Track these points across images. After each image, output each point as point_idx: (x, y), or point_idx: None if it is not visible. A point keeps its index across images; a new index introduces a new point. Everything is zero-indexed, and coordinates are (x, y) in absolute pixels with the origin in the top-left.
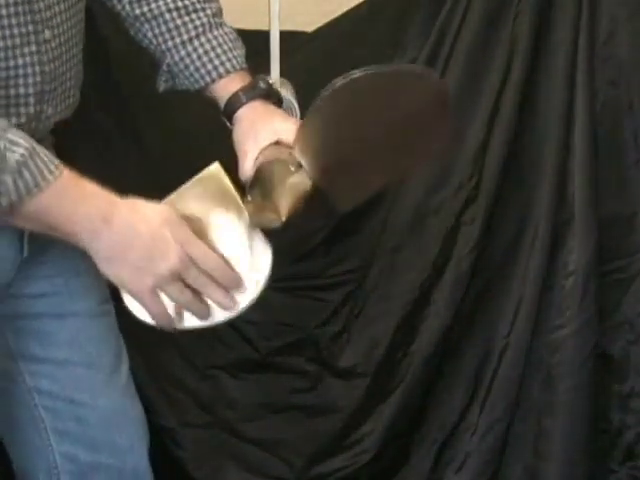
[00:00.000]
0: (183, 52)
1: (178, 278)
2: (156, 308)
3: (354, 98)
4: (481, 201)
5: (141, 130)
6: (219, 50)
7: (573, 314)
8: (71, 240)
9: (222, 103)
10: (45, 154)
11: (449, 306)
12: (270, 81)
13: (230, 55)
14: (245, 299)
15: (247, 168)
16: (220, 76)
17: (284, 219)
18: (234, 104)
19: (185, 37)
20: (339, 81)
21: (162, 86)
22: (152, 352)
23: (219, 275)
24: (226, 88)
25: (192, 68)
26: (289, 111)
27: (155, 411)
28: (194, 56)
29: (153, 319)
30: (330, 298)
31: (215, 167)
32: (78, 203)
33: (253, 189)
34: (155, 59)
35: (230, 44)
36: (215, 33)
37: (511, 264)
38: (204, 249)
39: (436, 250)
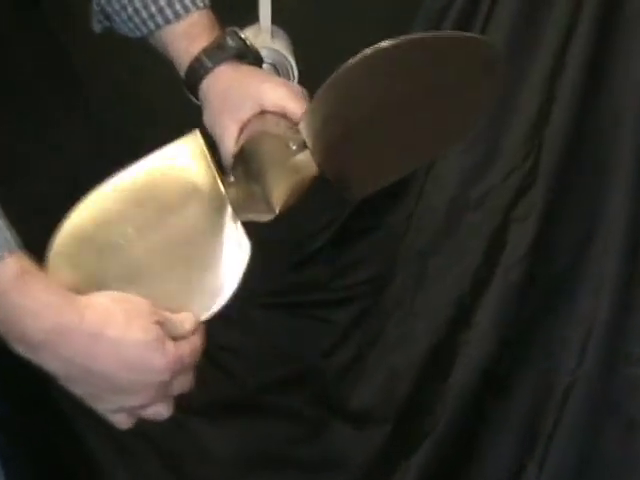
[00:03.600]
0: None
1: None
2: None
3: (387, 68)
4: (538, 191)
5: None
6: None
7: None
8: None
9: (181, 70)
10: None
11: (495, 329)
12: (242, 36)
13: None
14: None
15: (229, 151)
16: (167, 21)
17: (278, 211)
18: (197, 72)
19: None
20: (371, 49)
21: (98, 27)
22: None
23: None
24: (181, 45)
25: (130, 10)
26: (283, 70)
27: (104, 470)
28: None
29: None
30: (338, 318)
31: (191, 137)
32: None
33: (236, 172)
34: None
35: None
36: None
37: (578, 274)
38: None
39: (478, 256)
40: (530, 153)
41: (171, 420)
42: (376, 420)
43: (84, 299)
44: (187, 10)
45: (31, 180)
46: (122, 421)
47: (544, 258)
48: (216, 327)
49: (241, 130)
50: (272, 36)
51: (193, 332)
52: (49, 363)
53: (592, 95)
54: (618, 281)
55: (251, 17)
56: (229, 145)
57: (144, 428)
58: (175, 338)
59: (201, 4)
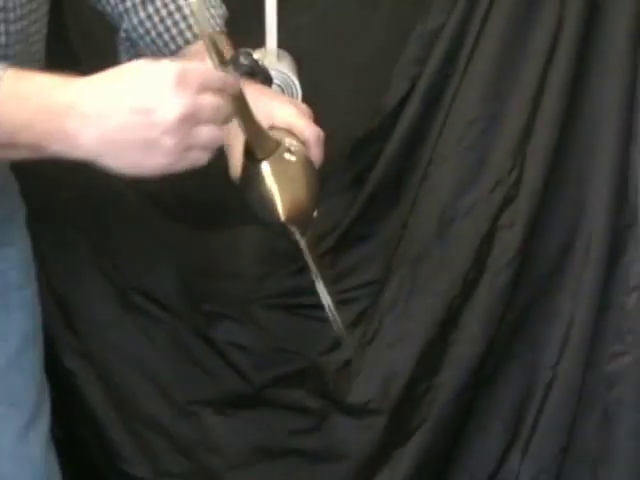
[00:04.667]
0: (143, 14)
1: (190, 124)
2: (194, 158)
3: None
4: (523, 200)
5: None
6: (186, 11)
7: (636, 339)
8: (42, 155)
9: None
10: None
11: (483, 329)
12: (255, 56)
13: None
14: None
15: (239, 162)
16: (187, 42)
17: (284, 219)
18: None
19: None
20: None
21: (124, 57)
22: (119, 384)
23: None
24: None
25: (153, 33)
26: (288, 89)
27: (123, 458)
28: (156, 19)
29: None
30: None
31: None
32: (35, 102)
33: (245, 180)
34: (113, 25)
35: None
36: None
37: (560, 278)
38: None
39: (467, 260)
40: (515, 166)
41: (186, 415)
42: (373, 413)
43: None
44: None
45: None
46: (188, 159)
47: (528, 263)
48: (226, 326)
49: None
50: (278, 58)
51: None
52: (88, 138)
53: (572, 112)
54: (596, 284)
55: (258, 41)
56: (239, 157)
57: (159, 420)
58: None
59: (217, 28)
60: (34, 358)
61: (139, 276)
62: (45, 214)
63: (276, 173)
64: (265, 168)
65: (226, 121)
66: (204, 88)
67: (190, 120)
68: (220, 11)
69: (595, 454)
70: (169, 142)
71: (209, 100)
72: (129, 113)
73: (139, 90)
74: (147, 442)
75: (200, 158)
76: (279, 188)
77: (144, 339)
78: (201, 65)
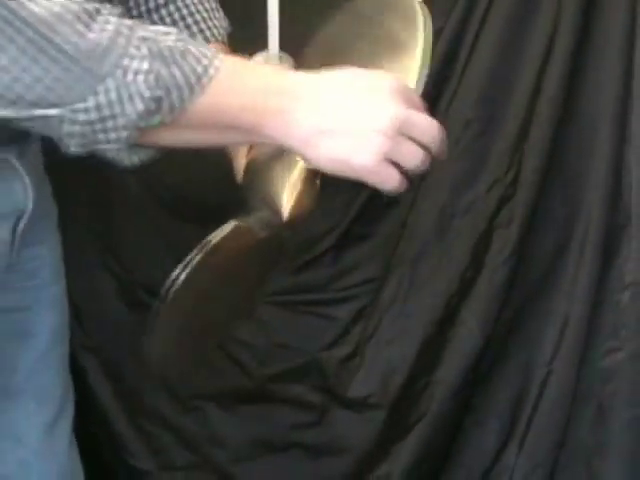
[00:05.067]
0: (155, 16)
1: (402, 132)
2: (390, 174)
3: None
4: (519, 200)
5: None
6: (189, 20)
7: (629, 335)
8: (254, 138)
9: None
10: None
11: (480, 326)
12: (257, 59)
13: (203, 26)
14: None
15: (241, 165)
16: None
17: (285, 218)
18: None
19: (152, 4)
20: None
21: None
22: (126, 379)
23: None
24: None
25: None
26: None
27: (129, 451)
28: (167, 20)
29: (387, 188)
30: (338, 315)
31: None
32: (254, 83)
33: (246, 182)
34: None
35: (205, 14)
36: (187, 1)
37: (555, 275)
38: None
39: (465, 259)
40: (512, 166)
41: (191, 409)
42: (373, 407)
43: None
44: (207, 41)
45: None
46: (386, 172)
47: (525, 261)
48: None
49: (251, 147)
50: (280, 61)
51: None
52: (301, 134)
53: (568, 114)
54: (591, 282)
55: (261, 45)
56: (243, 159)
57: (164, 414)
58: None
59: (220, 38)
60: (62, 355)
61: (146, 274)
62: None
63: (282, 174)
64: (273, 167)
65: (428, 147)
66: (420, 109)
67: (403, 129)
68: (223, 23)
69: (590, 449)
70: (379, 141)
71: (424, 120)
72: (353, 103)
73: (363, 86)
74: (152, 436)
75: (392, 179)
76: (284, 189)
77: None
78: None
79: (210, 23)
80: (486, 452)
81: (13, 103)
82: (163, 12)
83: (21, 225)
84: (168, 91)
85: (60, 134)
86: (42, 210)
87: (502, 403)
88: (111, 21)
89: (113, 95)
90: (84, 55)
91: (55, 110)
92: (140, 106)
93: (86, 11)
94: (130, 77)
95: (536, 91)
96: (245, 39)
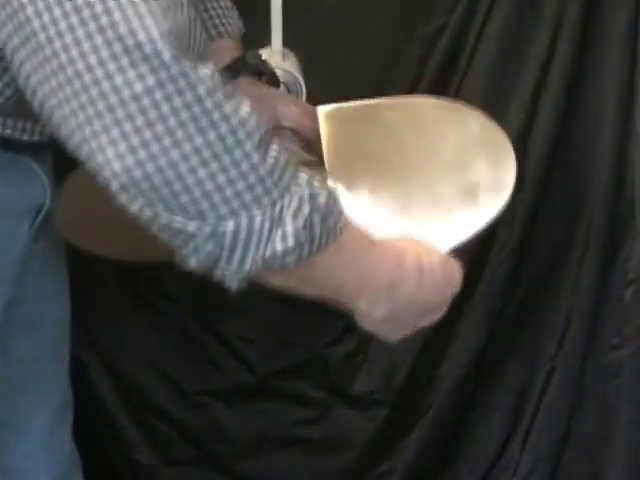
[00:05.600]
0: None
1: None
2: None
3: None
4: (523, 195)
5: None
6: (204, 15)
7: (633, 331)
8: (342, 301)
9: None
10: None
11: (483, 321)
12: (263, 57)
13: (217, 22)
14: None
15: None
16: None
17: None
18: None
19: None
20: None
21: None
22: (129, 375)
23: None
24: (213, 62)
25: None
26: (293, 88)
27: (131, 446)
28: None
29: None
30: (342, 311)
31: None
32: (369, 266)
33: None
34: None
35: (220, 11)
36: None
37: (559, 271)
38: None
39: (468, 255)
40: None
41: (194, 405)
42: (376, 403)
43: (398, 244)
44: (221, 37)
45: None
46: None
47: (528, 257)
48: (234, 319)
49: None
50: (283, 57)
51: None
52: (374, 317)
53: (572, 109)
54: (595, 277)
55: (264, 41)
56: None
57: (168, 409)
58: None
59: (232, 35)
60: (64, 348)
61: (148, 270)
62: None
63: None
64: None
65: None
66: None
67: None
68: (238, 23)
69: (593, 444)
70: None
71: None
72: (420, 301)
73: (435, 283)
74: (155, 431)
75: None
76: None
77: (153, 331)
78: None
79: (224, 20)
80: (490, 447)
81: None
82: None
83: (38, 219)
84: (311, 240)
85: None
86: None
87: (505, 398)
88: (281, 153)
89: (267, 225)
90: (259, 174)
91: (196, 223)
92: (284, 245)
93: (264, 131)
94: (287, 214)
95: (539, 88)
96: (248, 35)
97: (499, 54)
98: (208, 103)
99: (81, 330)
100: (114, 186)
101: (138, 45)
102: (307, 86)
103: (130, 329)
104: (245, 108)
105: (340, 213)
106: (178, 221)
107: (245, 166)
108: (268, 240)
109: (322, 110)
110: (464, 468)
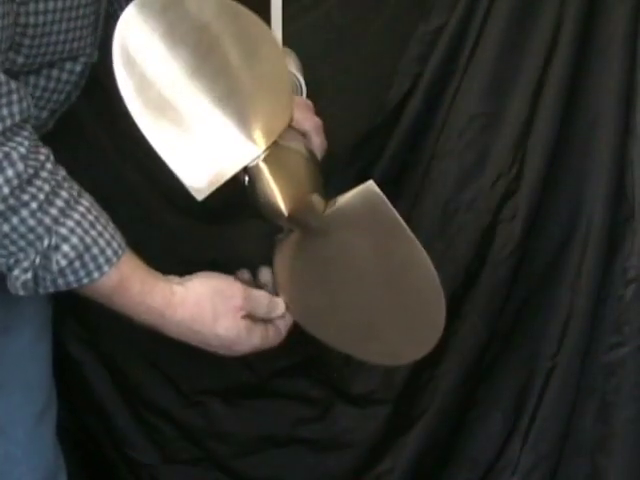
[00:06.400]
0: None
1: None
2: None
3: None
4: (523, 194)
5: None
6: None
7: (633, 330)
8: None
9: None
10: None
11: (484, 320)
12: None
13: None
14: None
15: None
16: None
17: (287, 214)
18: None
19: None
20: None
21: None
22: (128, 374)
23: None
24: None
25: None
26: (293, 87)
27: (130, 444)
28: None
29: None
30: None
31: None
32: (138, 297)
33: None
34: None
35: None
36: None
37: (559, 270)
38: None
39: (469, 253)
40: (515, 161)
41: (194, 404)
42: (376, 402)
43: (179, 293)
44: None
45: None
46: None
47: (528, 255)
48: None
49: None
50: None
51: (282, 315)
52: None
53: (571, 109)
54: (594, 277)
55: None
56: None
57: (167, 408)
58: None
59: None
60: (46, 350)
61: None
62: None
63: (274, 172)
64: (263, 167)
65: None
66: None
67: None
68: None
69: (594, 443)
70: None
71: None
72: (215, 344)
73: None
74: (155, 430)
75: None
76: (278, 186)
77: (153, 331)
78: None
79: None
80: (490, 446)
81: None
82: None
83: None
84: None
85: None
86: None
87: (506, 397)
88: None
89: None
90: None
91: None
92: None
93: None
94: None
95: (540, 86)
96: None
97: (499, 54)
98: None
99: (81, 330)
100: None
101: None
102: (307, 86)
103: (130, 329)
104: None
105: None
106: None
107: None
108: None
109: None
110: (464, 467)
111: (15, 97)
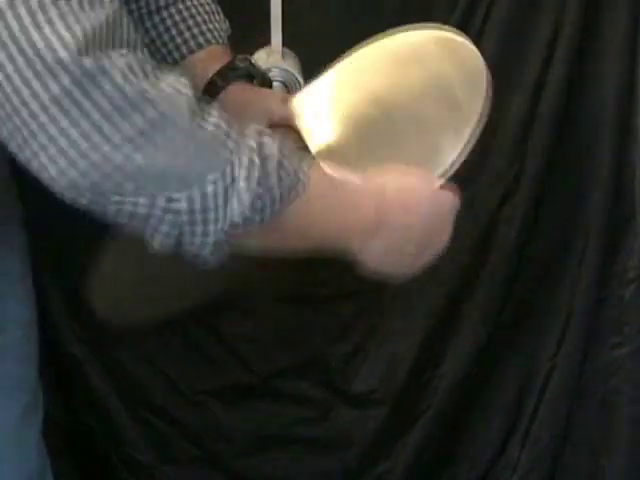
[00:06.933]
0: (148, 23)
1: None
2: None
3: None
4: (522, 195)
5: None
6: (190, 22)
7: (633, 330)
8: (332, 248)
9: (199, 90)
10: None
11: (484, 320)
12: (252, 60)
13: (204, 28)
14: None
15: None
16: (191, 51)
17: None
18: (210, 92)
19: (153, 7)
20: None
21: None
22: (128, 374)
23: None
24: (203, 70)
25: (158, 42)
26: (293, 87)
27: (130, 444)
28: (161, 28)
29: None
30: (342, 310)
31: None
32: (347, 206)
33: None
34: None
35: (205, 16)
36: (188, 3)
37: (558, 271)
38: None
39: (468, 254)
40: (514, 161)
41: (194, 404)
42: (376, 402)
43: (378, 177)
44: (209, 43)
45: None
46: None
47: (528, 256)
48: (234, 319)
49: None
50: (282, 57)
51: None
52: (373, 254)
53: (571, 109)
54: (594, 277)
55: (264, 40)
56: None
57: (167, 408)
58: None
59: (220, 40)
60: (32, 352)
61: None
62: (55, 207)
63: None
64: None
65: None
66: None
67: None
68: (224, 26)
69: (593, 442)
70: (425, 261)
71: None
72: (415, 232)
73: (427, 212)
74: (154, 429)
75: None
76: None
77: (153, 331)
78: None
79: (211, 26)
80: (490, 446)
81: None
82: (164, 14)
83: None
84: (271, 200)
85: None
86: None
87: (505, 397)
88: (222, 117)
89: (220, 194)
90: (199, 144)
91: (145, 198)
92: (242, 208)
93: (198, 103)
94: (240, 178)
95: (539, 87)
96: (247, 35)
97: (499, 54)
98: (126, 88)
99: (81, 330)
100: (57, 190)
101: (39, 56)
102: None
103: (130, 329)
104: (169, 80)
105: (299, 162)
106: (128, 203)
107: (180, 140)
108: (225, 209)
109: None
110: (464, 467)
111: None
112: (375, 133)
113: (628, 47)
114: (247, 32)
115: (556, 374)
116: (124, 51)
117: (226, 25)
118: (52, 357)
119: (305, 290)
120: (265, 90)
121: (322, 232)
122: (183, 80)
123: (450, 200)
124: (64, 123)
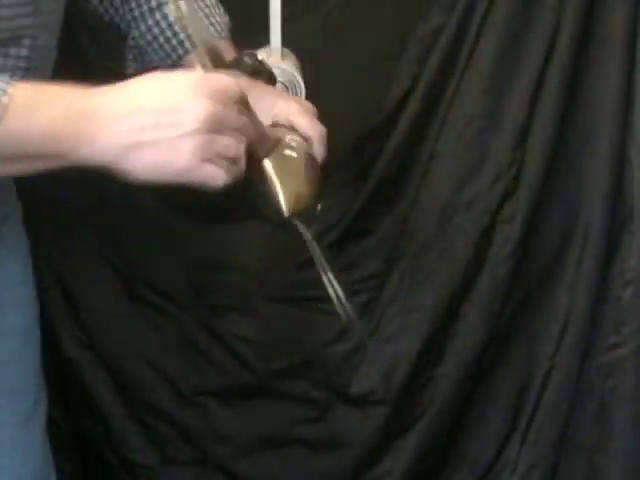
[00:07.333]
0: (151, 21)
1: (215, 130)
2: (211, 172)
3: None
4: (522, 195)
5: None
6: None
7: (631, 331)
8: (65, 163)
9: None
10: None
11: (483, 321)
12: (260, 57)
13: (206, 22)
14: None
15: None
16: (187, 51)
17: (287, 214)
18: None
19: (154, 3)
20: None
21: (131, 67)
22: (126, 375)
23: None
24: None
25: (161, 39)
26: (292, 87)
27: (129, 446)
28: (163, 25)
29: (212, 186)
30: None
31: None
32: (52, 111)
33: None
34: (122, 34)
35: (207, 10)
36: None
37: (557, 271)
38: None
39: (467, 254)
40: (514, 162)
41: (193, 405)
42: (375, 403)
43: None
44: (211, 37)
45: None
46: (207, 171)
47: (527, 256)
48: (231, 319)
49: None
50: (282, 57)
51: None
52: (111, 151)
53: (570, 109)
54: (593, 278)
55: (264, 40)
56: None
57: (166, 409)
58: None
59: (222, 34)
60: (33, 353)
61: (146, 269)
62: (54, 208)
63: (277, 170)
64: (267, 166)
65: (248, 139)
66: (228, 99)
67: (212, 126)
68: (225, 19)
69: (592, 443)
70: (189, 144)
71: (234, 113)
72: (152, 114)
73: (163, 92)
74: (154, 431)
75: (216, 175)
76: (281, 184)
77: (151, 331)
78: (222, 76)
79: (212, 20)
80: (489, 447)
81: None
82: (165, 10)
83: None
84: None
85: None
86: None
87: (504, 398)
88: None
89: None
90: None
91: None
92: None
93: None
94: None
95: (539, 87)
96: (247, 35)
97: (498, 54)
98: None
99: (81, 330)
100: None
101: None
102: (307, 86)
103: (130, 329)
104: None
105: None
106: None
107: None
108: None
109: None
110: (463, 467)
111: None
112: None
113: (628, 47)
114: (246, 32)
115: (555, 374)
116: None
117: (227, 18)
118: (51, 358)
119: (305, 290)
120: (272, 89)
121: (40, 143)
122: None
123: (184, 78)
124: None
